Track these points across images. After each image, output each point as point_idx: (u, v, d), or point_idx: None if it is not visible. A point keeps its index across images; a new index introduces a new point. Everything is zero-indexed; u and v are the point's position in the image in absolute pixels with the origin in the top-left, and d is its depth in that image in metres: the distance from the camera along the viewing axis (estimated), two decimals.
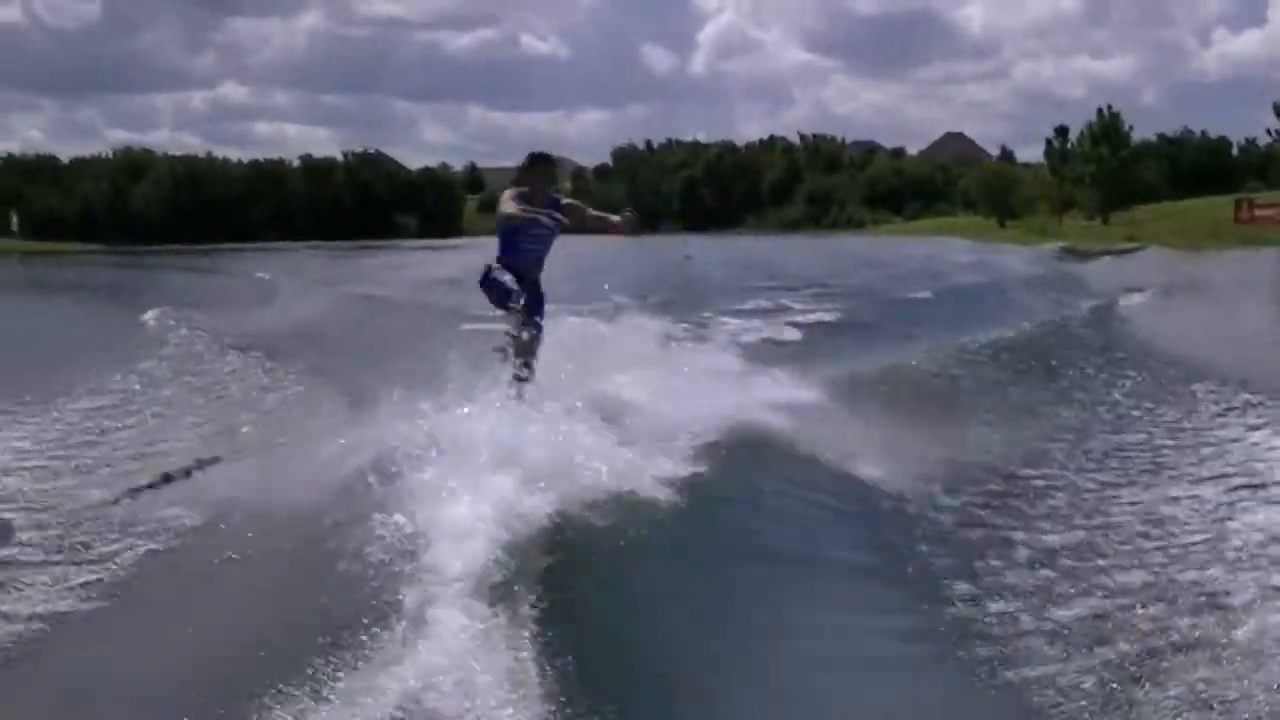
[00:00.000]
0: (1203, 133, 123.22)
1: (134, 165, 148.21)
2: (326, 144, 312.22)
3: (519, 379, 10.36)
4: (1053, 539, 9.10)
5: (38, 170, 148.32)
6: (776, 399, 11.63)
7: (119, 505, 10.22)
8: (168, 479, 11.03)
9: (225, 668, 6.18)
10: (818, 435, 10.80)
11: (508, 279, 10.81)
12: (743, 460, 9.42)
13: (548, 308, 11.33)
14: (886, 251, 65.29)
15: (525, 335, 10.54)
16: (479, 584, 6.22)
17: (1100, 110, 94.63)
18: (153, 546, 8.78)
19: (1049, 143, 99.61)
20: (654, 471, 8.30)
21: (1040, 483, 10.90)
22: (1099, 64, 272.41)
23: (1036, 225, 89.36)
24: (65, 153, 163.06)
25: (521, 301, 10.65)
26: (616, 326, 12.74)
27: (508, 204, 11.00)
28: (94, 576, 8.17)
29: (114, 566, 8.39)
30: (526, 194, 10.97)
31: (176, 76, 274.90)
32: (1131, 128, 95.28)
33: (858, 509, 9.42)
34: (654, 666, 6.09)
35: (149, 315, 25.10)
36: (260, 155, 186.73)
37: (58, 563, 8.52)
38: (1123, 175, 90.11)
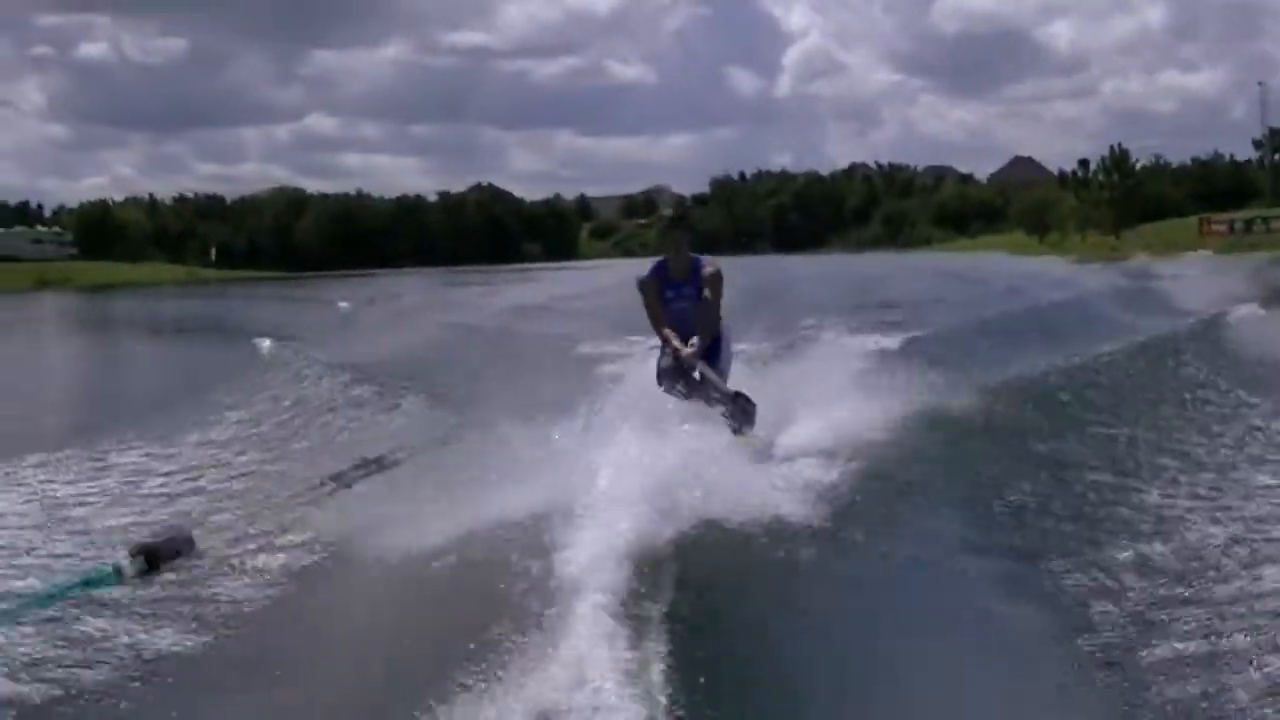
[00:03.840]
0: (1231, 156, 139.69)
1: (293, 203, 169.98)
2: (415, 174, 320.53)
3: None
4: None
5: (208, 209, 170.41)
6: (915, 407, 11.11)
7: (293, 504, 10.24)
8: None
9: (354, 675, 6.34)
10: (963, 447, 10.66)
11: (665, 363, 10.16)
12: (891, 477, 9.15)
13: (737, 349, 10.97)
14: (927, 260, 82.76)
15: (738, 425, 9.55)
16: (619, 599, 5.97)
17: (1111, 147, 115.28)
18: (308, 555, 8.74)
19: (1073, 173, 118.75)
20: (803, 488, 8.22)
21: None
22: (1188, 78, 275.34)
23: (1063, 241, 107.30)
24: (149, 188, 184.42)
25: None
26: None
27: (646, 293, 10.32)
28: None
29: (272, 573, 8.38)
30: (665, 264, 10.31)
31: (263, 109, 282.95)
32: (1138, 160, 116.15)
33: (1024, 534, 8.51)
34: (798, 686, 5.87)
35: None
36: (349, 186, 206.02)
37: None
38: (1129, 199, 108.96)
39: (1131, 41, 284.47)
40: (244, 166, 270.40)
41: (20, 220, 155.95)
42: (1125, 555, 7.89)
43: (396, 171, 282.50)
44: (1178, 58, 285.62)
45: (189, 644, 7.15)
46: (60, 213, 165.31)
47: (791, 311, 25.78)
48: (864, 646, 6.45)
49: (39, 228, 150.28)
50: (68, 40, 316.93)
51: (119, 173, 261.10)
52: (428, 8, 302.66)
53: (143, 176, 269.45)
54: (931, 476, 9.86)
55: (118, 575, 8.31)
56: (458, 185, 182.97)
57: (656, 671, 5.42)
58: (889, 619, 6.95)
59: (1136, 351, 16.29)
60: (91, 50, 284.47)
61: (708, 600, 6.46)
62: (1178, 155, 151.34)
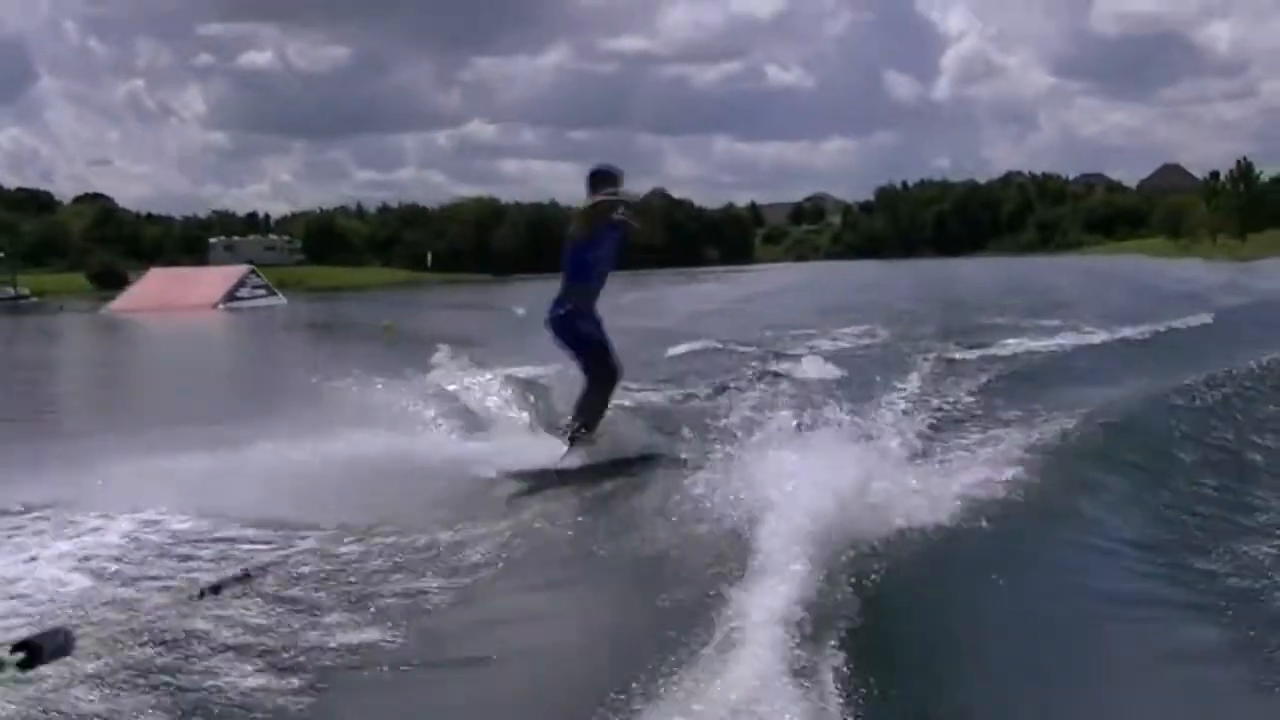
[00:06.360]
0: None
1: (490, 212, 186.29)
2: (573, 180, 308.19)
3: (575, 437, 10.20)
4: None
5: (411, 217, 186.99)
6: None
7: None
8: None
9: (535, 668, 6.26)
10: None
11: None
12: (1073, 477, 8.56)
13: None
14: (1071, 262, 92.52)
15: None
16: (789, 614, 5.63)
17: (1238, 161, 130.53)
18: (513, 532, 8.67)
19: (1205, 183, 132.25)
20: (973, 491, 7.64)
21: None
22: None
23: (1195, 245, 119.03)
24: (308, 195, 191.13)
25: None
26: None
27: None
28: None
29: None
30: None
31: (423, 116, 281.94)
32: (1261, 172, 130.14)
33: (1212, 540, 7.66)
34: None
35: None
36: (506, 192, 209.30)
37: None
38: (1254, 207, 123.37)
39: None
40: (402, 172, 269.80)
41: (250, 229, 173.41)
42: None
43: (552, 177, 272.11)
44: None
45: None
46: (284, 221, 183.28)
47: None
48: (1044, 648, 6.13)
49: (270, 236, 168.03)
50: (231, 49, 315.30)
51: (279, 179, 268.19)
52: (590, 14, 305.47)
53: (300, 183, 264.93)
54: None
55: None
56: None
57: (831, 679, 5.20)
58: (1076, 626, 6.47)
59: None
60: (256, 59, 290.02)
61: (886, 604, 6.07)
62: None
